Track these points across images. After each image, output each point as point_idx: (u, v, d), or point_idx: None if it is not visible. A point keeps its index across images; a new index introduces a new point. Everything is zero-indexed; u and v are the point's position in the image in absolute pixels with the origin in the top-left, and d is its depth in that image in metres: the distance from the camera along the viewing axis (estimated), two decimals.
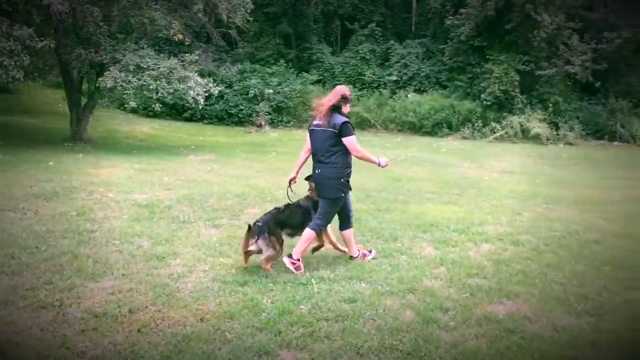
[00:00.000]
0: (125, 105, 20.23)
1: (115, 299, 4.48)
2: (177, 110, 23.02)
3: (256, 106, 23.27)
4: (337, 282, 5.03)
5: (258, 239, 5.26)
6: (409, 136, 21.74)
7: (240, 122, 23.38)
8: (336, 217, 5.69)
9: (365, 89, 25.30)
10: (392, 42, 26.65)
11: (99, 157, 12.77)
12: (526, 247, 6.54)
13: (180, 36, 15.72)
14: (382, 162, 5.60)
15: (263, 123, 22.45)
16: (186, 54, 15.18)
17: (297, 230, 5.62)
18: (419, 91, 24.72)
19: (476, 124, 21.72)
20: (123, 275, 5.06)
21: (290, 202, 5.73)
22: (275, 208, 5.70)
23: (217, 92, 15.51)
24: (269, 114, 23.32)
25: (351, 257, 5.75)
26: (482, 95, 21.97)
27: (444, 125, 22.36)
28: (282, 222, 5.50)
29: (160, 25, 14.39)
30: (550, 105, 21.76)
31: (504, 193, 10.12)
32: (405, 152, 16.04)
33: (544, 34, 21.48)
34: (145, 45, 14.91)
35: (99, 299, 4.48)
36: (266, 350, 3.70)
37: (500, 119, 21.77)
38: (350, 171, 5.57)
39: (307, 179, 5.76)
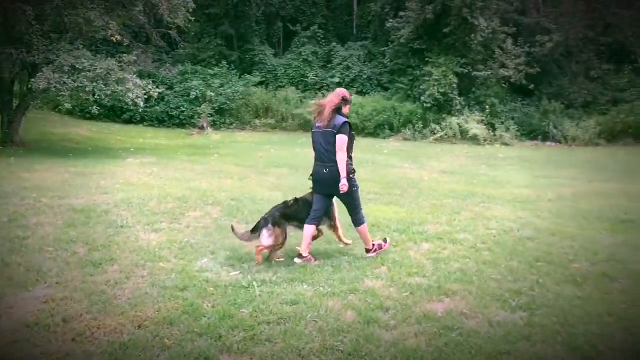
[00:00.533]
0: (61, 107, 19.60)
1: (49, 308, 4.32)
2: (116, 112, 22.44)
3: (198, 108, 22.99)
4: (279, 284, 5.02)
5: (261, 230, 5.66)
6: None
7: (181, 124, 23.04)
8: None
9: (309, 91, 25.42)
10: (334, 44, 26.90)
11: (32, 161, 12.30)
12: (464, 245, 6.71)
13: (119, 37, 15.32)
14: (342, 184, 5.62)
15: (205, 125, 22.17)
16: (124, 55, 14.82)
17: (304, 222, 5.92)
18: (361, 93, 25.01)
19: (417, 126, 22.14)
20: (57, 283, 4.89)
21: (299, 197, 6.09)
22: (284, 202, 6.05)
23: (157, 93, 15.22)
24: (211, 115, 23.08)
25: (299, 256, 5.87)
26: (422, 98, 22.40)
27: (386, 126, 22.68)
28: (289, 216, 5.90)
29: (97, 26, 13.99)
30: (487, 107, 22.42)
31: (443, 193, 10.35)
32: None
33: (480, 37, 22.17)
34: (81, 46, 14.47)
35: (32, 309, 4.31)
36: (206, 356, 3.66)
37: (440, 121, 22.25)
38: (353, 165, 5.87)
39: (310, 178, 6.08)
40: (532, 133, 22.68)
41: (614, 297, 5.08)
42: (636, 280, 5.51)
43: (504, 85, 23.95)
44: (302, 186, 10.17)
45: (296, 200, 6.05)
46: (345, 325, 4.18)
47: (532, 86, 23.63)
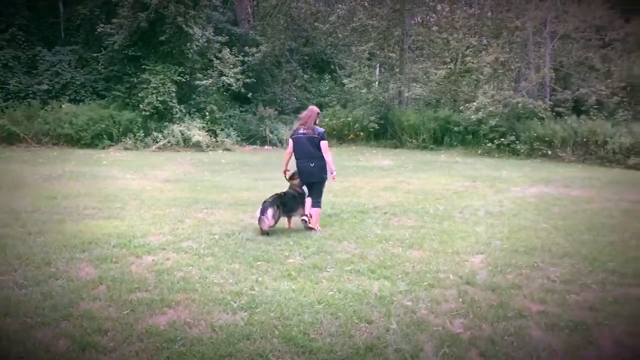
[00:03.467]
0: None
1: None
2: None
3: None
4: None
5: (266, 211, 7.70)
6: (66, 149, 20.24)
7: None
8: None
9: (11, 100, 22.58)
10: (39, 48, 24.42)
11: None
12: (188, 253, 6.74)
13: None
14: (334, 174, 8.08)
15: None
16: None
17: (289, 209, 8.13)
18: (74, 101, 23.21)
19: (138, 134, 21.47)
20: None
21: (286, 191, 8.22)
22: (277, 194, 8.07)
23: None
24: None
25: (311, 229, 7.99)
26: (141, 105, 21.83)
27: (105, 136, 21.47)
28: (283, 203, 7.99)
29: None
30: (208, 114, 22.89)
31: (166, 202, 10.24)
32: (62, 167, 14.92)
33: (196, 46, 22.49)
34: None
35: None
36: None
37: (161, 129, 21.93)
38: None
39: (290, 178, 8.37)
40: (251, 138, 23.88)
41: (323, 285, 5.62)
42: (340, 268, 6.19)
43: (224, 93, 24.71)
44: (6, 207, 9.11)
45: (285, 193, 8.16)
46: (56, 357, 3.84)
47: (250, 94, 24.86)
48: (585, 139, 18.48)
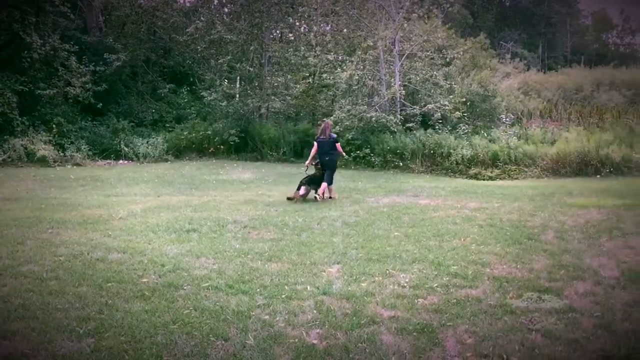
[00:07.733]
0: None
1: None
2: None
3: None
4: None
5: (302, 186, 12.20)
6: None
7: None
8: None
9: None
10: None
11: None
12: (29, 278, 6.21)
13: None
14: (344, 155, 14.68)
15: None
16: None
17: (316, 183, 12.31)
18: None
19: None
20: None
21: (315, 173, 12.44)
22: (309, 175, 12.44)
23: None
24: None
25: (330, 197, 12.41)
26: None
27: None
28: (313, 182, 12.31)
29: None
30: (54, 126, 21.36)
31: (5, 223, 9.36)
32: None
33: (38, 54, 20.93)
34: None
35: None
36: None
37: (1, 143, 20.12)
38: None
39: (315, 165, 12.48)
40: (104, 152, 22.62)
41: (178, 304, 5.44)
42: (197, 285, 6.03)
43: (74, 104, 23.21)
44: None
45: (314, 175, 12.38)
46: None
47: (100, 105, 23.57)
48: (432, 151, 19.79)
